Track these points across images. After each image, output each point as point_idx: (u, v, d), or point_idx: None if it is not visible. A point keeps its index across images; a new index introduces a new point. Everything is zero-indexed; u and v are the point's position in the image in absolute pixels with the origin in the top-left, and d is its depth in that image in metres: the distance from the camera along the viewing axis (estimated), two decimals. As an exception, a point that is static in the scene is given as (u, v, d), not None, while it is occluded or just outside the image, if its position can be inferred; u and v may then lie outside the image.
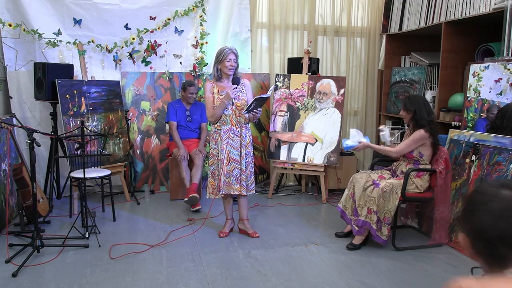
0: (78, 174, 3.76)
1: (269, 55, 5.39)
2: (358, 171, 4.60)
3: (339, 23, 5.52)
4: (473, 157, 3.45)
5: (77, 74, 4.55)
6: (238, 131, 3.48)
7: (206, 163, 4.22)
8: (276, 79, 4.93)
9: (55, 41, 4.54)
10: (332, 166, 4.81)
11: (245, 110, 3.38)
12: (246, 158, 3.52)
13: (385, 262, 3.14)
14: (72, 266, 3.01)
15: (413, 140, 3.32)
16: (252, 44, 5.29)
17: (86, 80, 4.47)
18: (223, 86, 3.50)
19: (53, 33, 4.55)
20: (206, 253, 3.27)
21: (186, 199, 4.20)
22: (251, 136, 3.59)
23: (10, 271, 2.86)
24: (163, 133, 4.98)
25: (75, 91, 4.34)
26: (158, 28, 4.91)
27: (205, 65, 5.05)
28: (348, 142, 3.56)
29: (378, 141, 5.24)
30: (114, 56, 4.83)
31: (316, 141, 4.73)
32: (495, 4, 3.61)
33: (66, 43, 4.62)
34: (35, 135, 3.14)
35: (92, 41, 4.71)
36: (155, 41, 4.91)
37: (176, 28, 5.02)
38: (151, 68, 4.97)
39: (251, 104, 3.30)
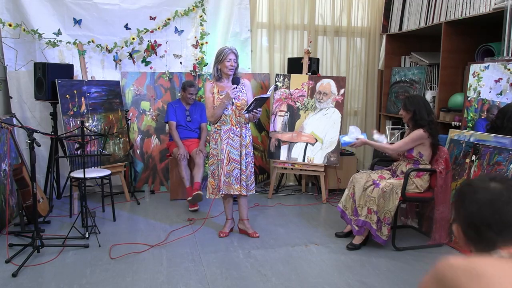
0: (78, 174, 3.77)
1: (269, 55, 5.39)
2: (358, 171, 4.60)
3: (339, 23, 5.52)
4: (473, 157, 3.45)
5: (77, 74, 4.55)
6: (238, 131, 3.48)
7: (206, 163, 4.22)
8: (276, 79, 4.93)
9: (55, 41, 4.54)
10: (332, 166, 4.81)
11: (245, 110, 3.38)
12: (246, 158, 3.52)
13: (385, 262, 3.14)
14: (72, 266, 3.01)
15: (411, 139, 3.32)
16: (252, 44, 5.29)
17: (86, 80, 4.47)
18: (223, 86, 3.50)
19: (53, 33, 4.55)
20: (206, 253, 3.27)
21: (190, 198, 4.20)
22: (251, 136, 3.59)
23: (10, 271, 2.86)
24: (163, 133, 4.98)
25: (75, 91, 4.34)
26: (158, 28, 4.91)
27: (205, 65, 5.05)
28: (346, 138, 3.57)
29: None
30: (114, 56, 4.83)
31: (316, 141, 4.73)
32: (495, 4, 3.60)
33: (66, 43, 4.62)
34: (35, 135, 3.14)
35: (92, 41, 4.71)
36: (155, 41, 4.91)
37: (176, 28, 5.02)
38: (151, 68, 4.97)
39: (251, 104, 3.30)
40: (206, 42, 5.06)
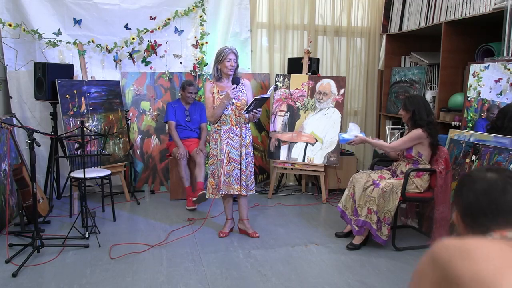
0: (78, 174, 3.77)
1: (269, 55, 5.39)
2: (358, 171, 4.60)
3: (339, 23, 5.52)
4: (473, 157, 3.45)
5: (77, 74, 4.55)
6: (238, 131, 3.48)
7: (206, 163, 4.22)
8: (276, 79, 4.93)
9: (55, 41, 4.54)
10: (332, 166, 4.81)
11: (245, 110, 3.38)
12: (246, 158, 3.52)
13: (385, 262, 3.14)
14: (72, 266, 3.01)
15: (410, 138, 3.32)
16: (252, 44, 5.29)
17: (86, 80, 4.47)
18: (223, 86, 3.50)
19: (53, 33, 4.55)
20: (206, 253, 3.27)
21: (195, 198, 4.20)
22: (251, 136, 3.59)
23: (10, 271, 2.86)
24: (163, 133, 4.98)
25: (75, 91, 4.34)
26: (158, 28, 4.91)
27: (205, 65, 5.05)
28: (345, 136, 3.57)
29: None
30: (114, 56, 4.83)
31: (316, 141, 4.73)
32: (495, 4, 3.60)
33: (66, 43, 4.62)
34: (35, 135, 3.14)
35: (92, 41, 4.71)
36: (155, 41, 4.91)
37: (176, 28, 5.02)
38: (151, 68, 4.97)
39: (250, 104, 3.30)
40: (206, 42, 5.06)
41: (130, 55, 4.86)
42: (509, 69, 3.45)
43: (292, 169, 4.83)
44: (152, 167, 5.01)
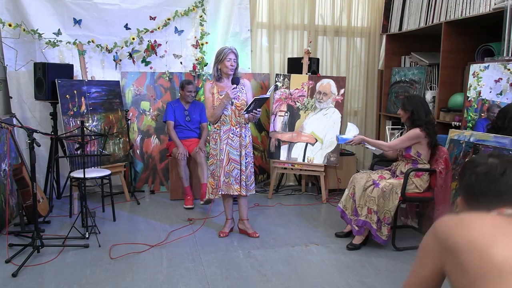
0: (78, 174, 3.77)
1: (269, 55, 5.39)
2: (358, 171, 4.59)
3: (339, 23, 5.52)
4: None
5: (77, 74, 4.55)
6: (237, 131, 3.48)
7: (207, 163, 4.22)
8: (276, 79, 4.93)
9: (55, 41, 4.54)
10: (332, 166, 4.81)
11: (244, 111, 3.38)
12: (246, 158, 3.52)
13: (385, 262, 3.14)
14: (72, 266, 3.01)
15: (408, 137, 3.33)
16: (252, 44, 5.29)
17: (86, 80, 4.47)
18: (223, 86, 3.50)
19: (53, 33, 4.55)
20: (206, 253, 3.27)
21: (202, 202, 4.23)
22: (250, 137, 3.59)
23: (10, 271, 2.86)
24: (163, 133, 4.98)
25: (75, 91, 4.34)
26: (158, 28, 4.91)
27: (205, 65, 5.05)
28: (343, 136, 3.59)
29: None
30: (114, 56, 4.83)
31: (316, 141, 4.73)
32: (495, 4, 3.60)
33: (66, 43, 4.62)
34: (35, 135, 3.14)
35: (92, 41, 4.71)
36: (155, 41, 4.91)
37: (176, 28, 5.02)
38: (151, 68, 4.97)
39: (250, 105, 3.30)
40: (206, 42, 5.06)
41: (130, 55, 4.87)
42: (509, 69, 3.45)
43: (292, 169, 4.83)
44: (152, 167, 5.01)
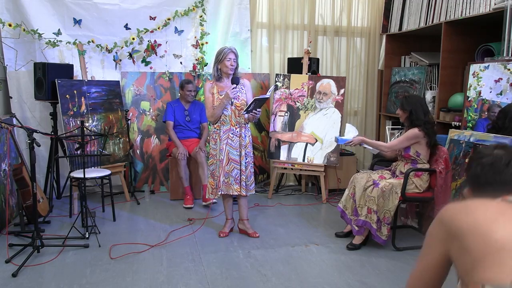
0: (78, 174, 3.77)
1: (269, 55, 5.39)
2: (358, 171, 4.60)
3: (339, 23, 5.52)
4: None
5: (77, 74, 4.55)
6: (237, 132, 3.48)
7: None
8: (276, 79, 4.93)
9: (55, 41, 4.54)
10: (332, 166, 4.81)
11: (244, 111, 3.38)
12: (246, 159, 3.52)
13: (385, 262, 3.14)
14: (72, 266, 3.01)
15: (406, 137, 3.33)
16: (252, 44, 5.29)
17: (86, 80, 4.47)
18: (223, 86, 3.50)
19: (53, 33, 4.55)
20: (206, 253, 3.27)
21: (205, 203, 4.33)
22: (250, 137, 3.59)
23: (10, 271, 2.86)
24: (163, 133, 4.98)
25: (75, 91, 4.34)
26: (158, 28, 4.91)
27: (205, 65, 5.05)
28: (343, 137, 3.60)
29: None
30: (114, 56, 4.83)
31: (316, 141, 4.73)
32: (495, 4, 3.60)
33: (66, 43, 4.62)
34: (35, 135, 3.14)
35: (92, 41, 4.71)
36: (155, 41, 4.91)
37: (176, 28, 5.02)
38: (151, 68, 4.97)
39: (250, 105, 3.30)
40: (206, 42, 5.06)
41: (130, 55, 4.87)
42: (509, 69, 3.45)
43: (292, 169, 4.83)
44: (152, 167, 5.01)
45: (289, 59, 5.19)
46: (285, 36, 5.38)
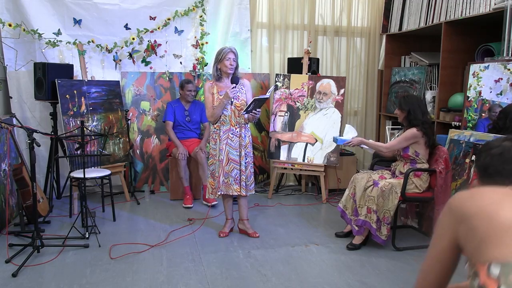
0: (78, 174, 3.77)
1: (269, 55, 5.39)
2: (358, 171, 4.60)
3: (339, 23, 5.52)
4: (473, 157, 3.45)
5: (77, 74, 4.55)
6: (237, 132, 3.48)
7: (206, 163, 4.23)
8: (276, 79, 4.93)
9: (55, 41, 4.54)
10: (332, 166, 4.81)
11: (244, 111, 3.38)
12: (246, 159, 3.52)
13: (385, 262, 3.14)
14: (72, 266, 3.01)
15: (404, 137, 3.33)
16: (252, 44, 5.29)
17: (86, 80, 4.47)
18: (223, 86, 3.50)
19: (53, 33, 4.55)
20: (206, 253, 3.27)
21: (205, 202, 4.40)
22: (250, 137, 3.59)
23: (10, 271, 2.86)
24: (163, 133, 4.98)
25: (75, 91, 4.34)
26: (158, 28, 4.91)
27: (205, 65, 5.05)
28: (341, 137, 3.60)
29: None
30: (114, 56, 4.83)
31: (316, 141, 4.73)
32: (495, 4, 3.60)
33: (66, 43, 4.62)
34: (35, 135, 3.14)
35: (92, 41, 4.71)
36: (155, 41, 4.91)
37: (176, 28, 5.02)
38: (151, 68, 4.97)
39: (250, 105, 3.30)
40: (206, 42, 5.06)
41: (130, 55, 4.86)
42: (509, 69, 3.45)
43: (292, 169, 4.83)
44: (152, 167, 5.01)
45: (289, 59, 5.19)
46: (285, 36, 5.38)
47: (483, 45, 3.92)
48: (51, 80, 4.20)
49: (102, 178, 3.86)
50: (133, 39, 4.83)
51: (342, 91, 4.77)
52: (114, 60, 4.84)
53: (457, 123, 3.95)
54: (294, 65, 4.99)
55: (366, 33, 5.63)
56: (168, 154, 4.71)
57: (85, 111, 4.40)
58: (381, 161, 3.86)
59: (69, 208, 4.14)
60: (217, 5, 5.10)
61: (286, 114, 4.85)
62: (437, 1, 4.34)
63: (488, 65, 3.63)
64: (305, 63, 4.85)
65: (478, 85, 3.71)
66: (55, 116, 4.39)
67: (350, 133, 3.61)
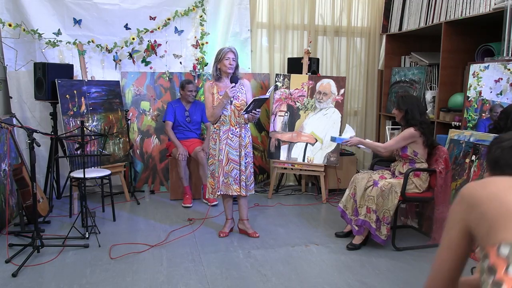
0: (78, 174, 3.77)
1: (269, 55, 5.39)
2: (358, 171, 4.60)
3: (339, 23, 5.52)
4: (473, 157, 3.45)
5: (77, 74, 4.55)
6: (237, 132, 3.48)
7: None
8: (276, 79, 4.93)
9: (55, 41, 4.54)
10: (332, 166, 4.81)
11: (244, 111, 3.38)
12: (246, 159, 3.52)
13: (385, 262, 3.14)
14: (72, 266, 3.01)
15: (402, 137, 3.33)
16: (252, 44, 5.29)
17: (86, 80, 4.47)
18: (222, 86, 3.50)
19: (53, 33, 4.55)
20: (206, 253, 3.27)
21: (206, 201, 4.44)
22: (250, 137, 3.59)
23: (10, 271, 2.86)
24: (163, 133, 4.98)
25: (75, 91, 4.34)
26: (158, 28, 4.91)
27: (205, 65, 5.05)
28: (340, 136, 3.61)
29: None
30: (114, 56, 4.83)
31: (316, 141, 4.73)
32: (495, 4, 3.60)
33: (66, 43, 4.62)
34: (35, 135, 3.14)
35: (92, 41, 4.71)
36: (155, 41, 4.91)
37: (176, 28, 5.02)
38: (151, 68, 4.97)
39: (249, 105, 3.30)
40: (206, 42, 5.06)
41: (130, 55, 4.86)
42: (509, 69, 3.45)
43: (292, 169, 4.83)
44: (152, 167, 5.01)
45: (289, 59, 5.19)
46: (285, 36, 5.38)
47: (483, 45, 3.92)
48: (51, 80, 4.20)
49: (102, 178, 3.86)
50: (133, 39, 4.83)
51: (342, 91, 4.77)
52: (114, 60, 4.84)
53: (457, 123, 3.95)
54: (294, 65, 4.99)
55: (366, 33, 5.63)
56: (168, 154, 4.71)
57: (85, 111, 4.40)
58: (381, 161, 3.86)
59: (69, 208, 4.14)
60: (217, 5, 5.10)
61: (286, 114, 4.85)
62: (437, 1, 4.34)
63: (488, 65, 3.63)
64: (305, 63, 4.85)
65: (478, 85, 3.71)
66: (55, 116, 4.39)
67: (349, 132, 3.62)
